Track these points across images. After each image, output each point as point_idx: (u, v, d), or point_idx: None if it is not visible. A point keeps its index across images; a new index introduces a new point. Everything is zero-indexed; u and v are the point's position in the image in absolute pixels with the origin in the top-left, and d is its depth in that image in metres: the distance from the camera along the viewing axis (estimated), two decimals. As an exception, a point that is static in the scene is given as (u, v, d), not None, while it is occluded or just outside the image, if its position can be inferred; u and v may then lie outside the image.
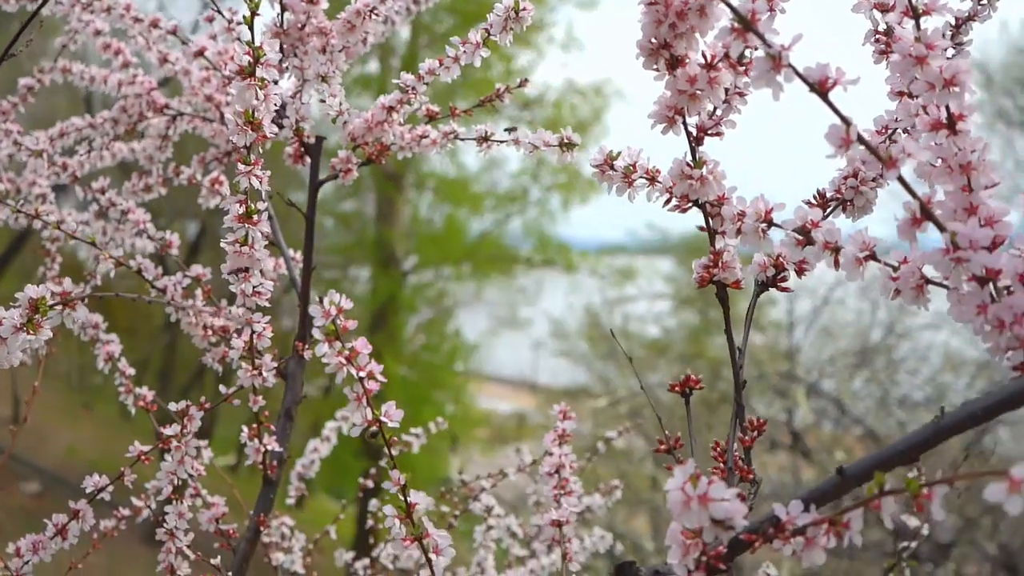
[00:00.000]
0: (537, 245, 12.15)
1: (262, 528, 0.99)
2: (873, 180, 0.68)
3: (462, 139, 0.97)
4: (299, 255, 1.11)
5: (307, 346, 0.97)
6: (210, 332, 1.02)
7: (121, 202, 1.11)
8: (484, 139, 0.95)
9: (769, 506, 0.51)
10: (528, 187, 12.40)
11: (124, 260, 0.99)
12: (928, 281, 0.55)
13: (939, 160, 0.55)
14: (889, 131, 0.69)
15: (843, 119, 0.51)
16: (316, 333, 0.61)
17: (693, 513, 0.50)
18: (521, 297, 12.89)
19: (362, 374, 0.62)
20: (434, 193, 12.54)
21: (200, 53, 1.07)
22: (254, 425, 0.97)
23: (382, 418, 0.63)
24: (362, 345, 0.63)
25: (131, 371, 1.10)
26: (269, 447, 0.97)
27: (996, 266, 0.51)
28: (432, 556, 0.65)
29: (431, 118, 1.00)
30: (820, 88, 0.51)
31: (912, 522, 1.13)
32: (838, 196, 0.69)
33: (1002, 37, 8.61)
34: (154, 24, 1.11)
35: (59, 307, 0.69)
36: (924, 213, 0.52)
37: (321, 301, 0.61)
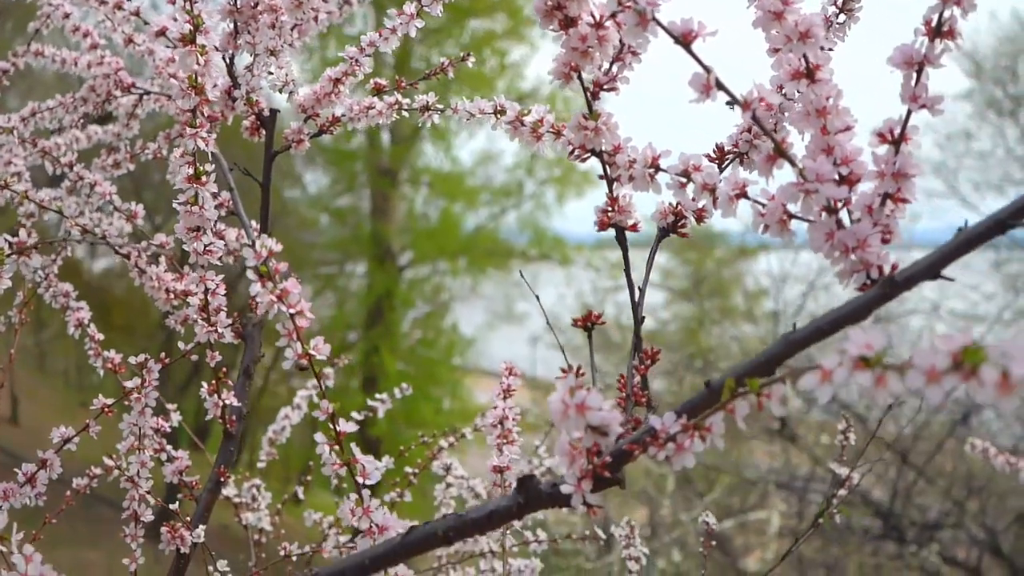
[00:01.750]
0: (533, 239, 12.21)
1: (222, 479, 1.05)
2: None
3: (406, 109, 1.02)
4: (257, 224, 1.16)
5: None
6: (172, 296, 1.08)
7: (88, 176, 1.17)
8: (426, 108, 1.01)
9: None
10: (523, 181, 12.45)
11: (90, 228, 1.05)
12: (790, 216, 0.61)
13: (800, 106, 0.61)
14: (782, 88, 0.75)
15: (704, 68, 0.57)
16: (250, 274, 0.68)
17: (571, 420, 0.56)
18: (517, 291, 12.95)
19: (293, 311, 0.68)
20: (429, 188, 12.59)
21: (162, 33, 1.12)
22: (213, 381, 1.03)
23: (311, 351, 0.69)
24: (292, 285, 0.69)
25: (100, 336, 1.15)
26: (228, 402, 1.04)
27: (841, 197, 0.57)
28: (360, 480, 0.71)
29: (379, 91, 1.06)
30: (684, 40, 0.57)
31: (842, 471, 1.18)
32: (735, 149, 0.75)
33: (991, 27, 8.65)
34: (118, 6, 1.17)
35: (15, 256, 0.75)
36: (778, 151, 0.58)
37: (254, 245, 0.67)
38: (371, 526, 0.70)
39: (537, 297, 0.94)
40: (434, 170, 12.45)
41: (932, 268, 0.54)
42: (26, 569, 0.63)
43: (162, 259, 1.09)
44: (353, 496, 0.71)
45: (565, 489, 0.61)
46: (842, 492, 1.15)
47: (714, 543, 1.25)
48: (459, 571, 1.31)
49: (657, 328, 10.13)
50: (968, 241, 0.53)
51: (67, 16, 1.27)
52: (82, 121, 1.26)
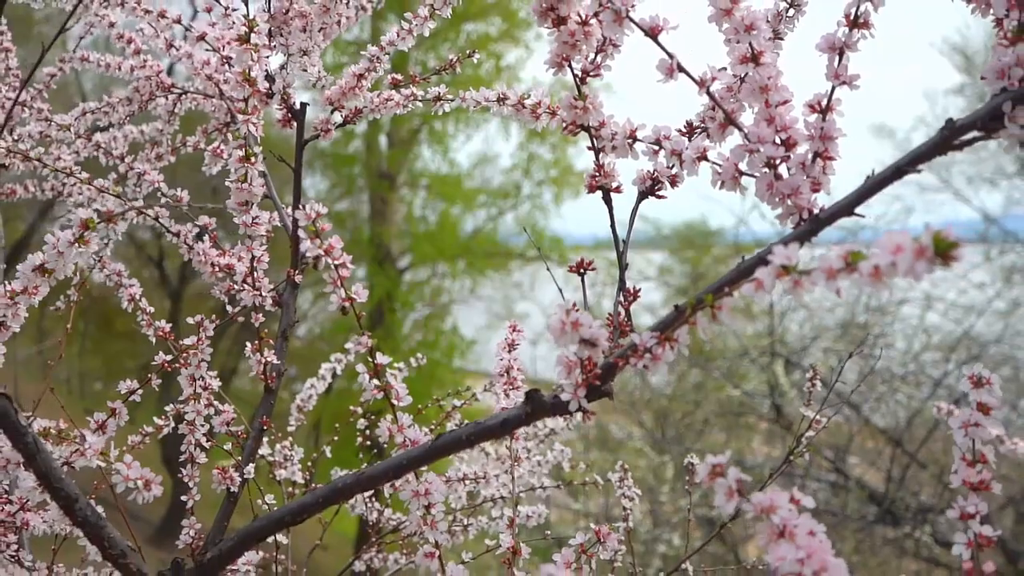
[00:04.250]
0: (531, 240, 12.35)
1: (264, 428, 1.20)
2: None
3: (420, 100, 1.17)
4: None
5: (299, 272, 1.18)
6: (216, 269, 1.23)
7: (138, 166, 1.32)
8: (438, 98, 1.16)
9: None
10: (520, 182, 12.60)
11: (144, 209, 1.19)
12: (741, 172, 0.76)
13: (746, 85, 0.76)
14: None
15: (668, 55, 0.72)
16: (301, 232, 0.82)
17: (567, 335, 0.71)
18: (516, 292, 13.09)
19: (337, 262, 0.83)
20: (427, 191, 12.73)
21: (201, 37, 1.27)
22: (256, 342, 1.18)
23: (352, 295, 0.84)
24: (336, 241, 0.84)
25: (151, 309, 1.30)
26: (269, 360, 1.18)
27: (778, 155, 0.72)
28: (394, 402, 0.86)
29: (395, 85, 1.20)
30: (652, 33, 0.72)
31: (808, 413, 1.32)
32: (702, 124, 0.90)
33: (982, 22, 8.79)
34: (161, 15, 1.32)
35: (104, 223, 0.89)
36: (727, 120, 0.73)
37: (304, 208, 0.82)
38: (404, 440, 0.85)
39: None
40: (432, 173, 12.60)
41: (849, 207, 0.68)
42: (128, 473, 0.78)
43: (206, 237, 1.24)
44: (389, 417, 0.86)
45: (564, 397, 0.75)
46: (810, 433, 1.29)
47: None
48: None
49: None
50: (876, 184, 0.68)
51: (112, 25, 1.42)
52: (128, 119, 1.41)
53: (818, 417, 1.31)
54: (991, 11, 0.69)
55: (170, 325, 1.27)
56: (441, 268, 12.63)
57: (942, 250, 0.48)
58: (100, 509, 0.87)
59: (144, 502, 0.85)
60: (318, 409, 7.16)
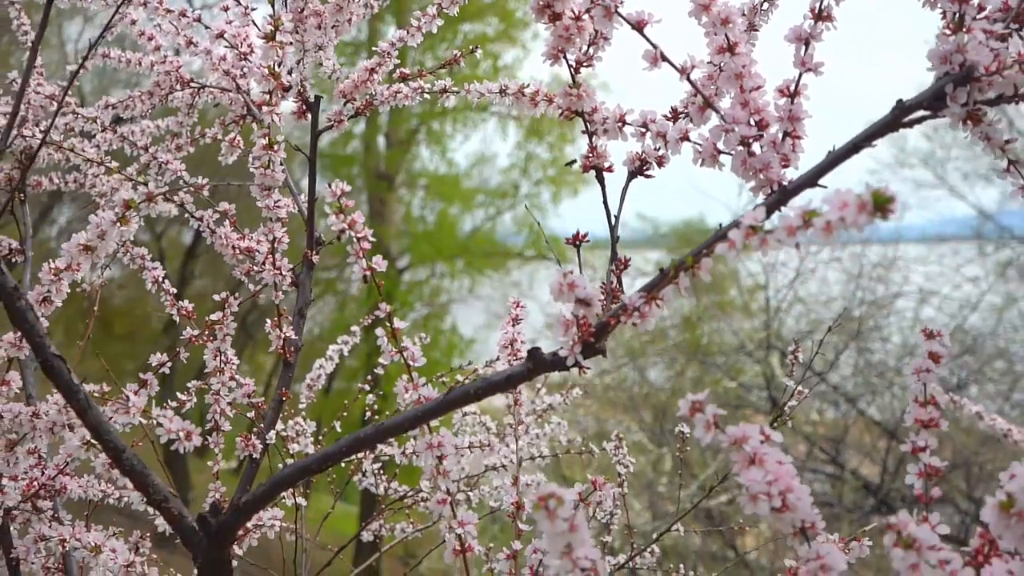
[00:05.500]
0: (529, 239, 12.47)
1: (284, 398, 1.29)
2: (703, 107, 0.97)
3: (427, 92, 1.26)
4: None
5: (315, 252, 1.27)
6: (237, 251, 1.32)
7: (161, 156, 1.40)
8: (443, 91, 1.25)
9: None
10: (518, 182, 12.69)
11: (169, 196, 1.28)
12: (719, 151, 0.85)
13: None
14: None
15: (653, 45, 0.81)
16: (327, 208, 0.91)
17: (564, 295, 0.80)
18: (515, 291, 13.16)
19: (359, 235, 0.92)
20: (425, 191, 12.83)
21: (220, 35, 1.36)
22: (275, 318, 1.27)
23: (373, 265, 0.93)
24: (359, 216, 0.93)
25: (173, 290, 1.39)
26: (288, 335, 1.27)
27: (751, 135, 0.81)
28: (410, 363, 0.95)
29: (404, 79, 1.29)
30: (638, 26, 0.81)
31: (790, 383, 1.41)
32: (685, 109, 0.98)
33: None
34: (182, 14, 1.40)
35: (145, 203, 0.98)
36: (706, 104, 0.82)
37: (330, 185, 0.91)
38: (419, 397, 0.93)
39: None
40: (430, 173, 12.69)
41: (811, 179, 0.77)
42: (171, 426, 0.87)
43: (226, 222, 1.33)
44: (404, 377, 0.95)
45: (562, 353, 0.84)
46: (792, 403, 1.38)
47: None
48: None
49: (658, 323, 10.29)
50: (835, 158, 0.76)
51: (134, 22, 1.50)
52: (149, 112, 1.50)
53: (800, 388, 1.40)
54: (939, 5, 0.78)
55: (191, 305, 1.35)
56: (440, 268, 12.72)
57: (880, 204, 0.57)
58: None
59: (184, 452, 0.94)
60: (317, 409, 7.25)
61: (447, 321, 12.74)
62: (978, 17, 0.76)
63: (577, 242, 0.95)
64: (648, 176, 0.98)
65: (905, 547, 0.60)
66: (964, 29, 0.73)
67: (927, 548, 0.60)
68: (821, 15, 0.82)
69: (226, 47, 1.37)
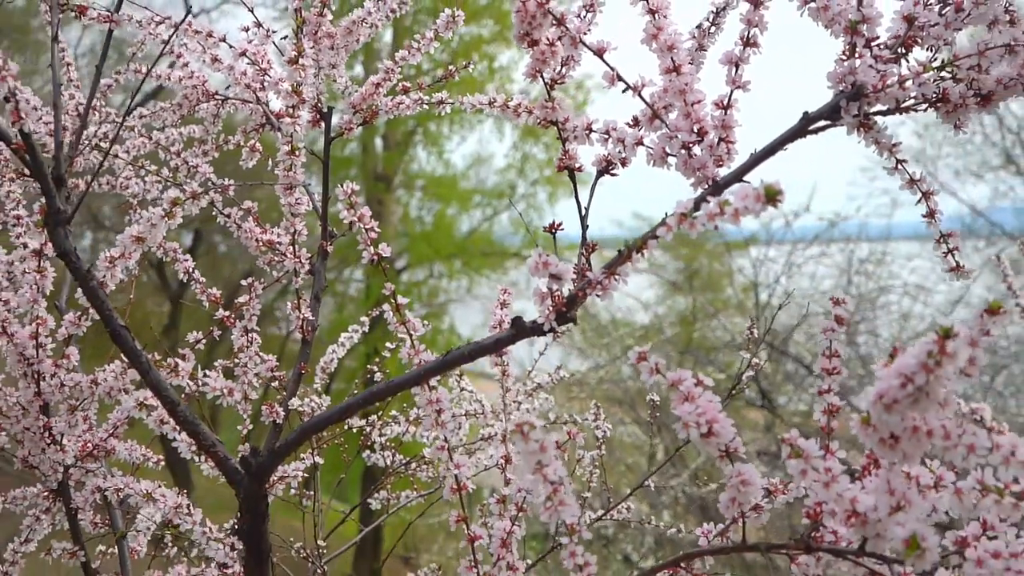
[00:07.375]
0: (526, 239, 12.65)
1: (303, 372, 1.47)
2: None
3: (427, 104, 1.45)
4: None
5: (329, 243, 1.45)
6: (260, 243, 1.50)
7: (192, 160, 1.59)
8: (441, 102, 1.44)
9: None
10: (514, 182, 12.87)
11: (199, 194, 1.46)
12: (667, 153, 1.03)
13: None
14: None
15: (610, 67, 1.00)
16: (339, 203, 1.09)
17: (540, 270, 0.98)
18: (512, 291, 13.30)
19: (367, 226, 1.11)
20: (423, 192, 13.00)
21: (243, 53, 1.54)
22: (295, 301, 1.45)
23: (380, 252, 1.11)
24: (366, 210, 1.11)
25: (203, 280, 1.57)
26: (306, 315, 1.45)
27: (692, 140, 0.99)
28: (411, 332, 1.13)
29: (405, 92, 1.48)
30: (598, 52, 0.99)
31: (746, 355, 1.59)
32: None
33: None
34: (209, 34, 1.59)
35: (189, 199, 1.16)
36: (654, 115, 1.00)
37: (342, 184, 1.10)
38: (420, 361, 1.12)
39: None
40: (427, 174, 12.87)
41: (736, 177, 0.96)
42: (216, 384, 1.05)
43: (250, 218, 1.51)
44: (408, 343, 1.13)
45: (539, 320, 1.02)
46: (749, 373, 1.56)
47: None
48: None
49: (654, 322, 10.46)
50: (754, 161, 0.95)
51: (165, 42, 1.69)
52: (178, 122, 1.68)
53: (756, 360, 1.58)
54: (840, 36, 0.96)
55: (218, 292, 1.54)
56: (438, 268, 12.90)
57: (771, 195, 0.76)
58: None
59: (227, 405, 1.12)
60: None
61: (445, 321, 12.92)
62: (874, 43, 0.95)
63: (553, 230, 1.14)
64: (613, 175, 1.16)
65: (795, 456, 0.78)
66: (855, 55, 0.92)
67: (814, 457, 0.78)
68: (749, 42, 1.00)
69: (247, 63, 1.55)
